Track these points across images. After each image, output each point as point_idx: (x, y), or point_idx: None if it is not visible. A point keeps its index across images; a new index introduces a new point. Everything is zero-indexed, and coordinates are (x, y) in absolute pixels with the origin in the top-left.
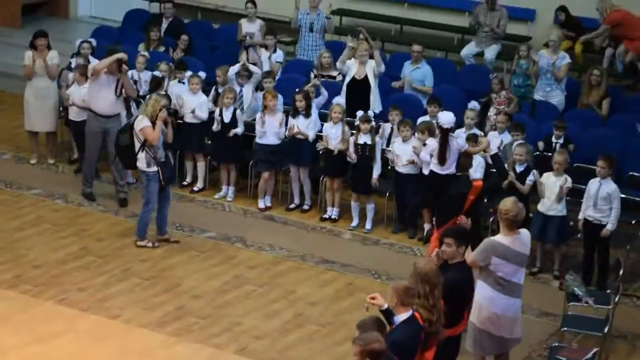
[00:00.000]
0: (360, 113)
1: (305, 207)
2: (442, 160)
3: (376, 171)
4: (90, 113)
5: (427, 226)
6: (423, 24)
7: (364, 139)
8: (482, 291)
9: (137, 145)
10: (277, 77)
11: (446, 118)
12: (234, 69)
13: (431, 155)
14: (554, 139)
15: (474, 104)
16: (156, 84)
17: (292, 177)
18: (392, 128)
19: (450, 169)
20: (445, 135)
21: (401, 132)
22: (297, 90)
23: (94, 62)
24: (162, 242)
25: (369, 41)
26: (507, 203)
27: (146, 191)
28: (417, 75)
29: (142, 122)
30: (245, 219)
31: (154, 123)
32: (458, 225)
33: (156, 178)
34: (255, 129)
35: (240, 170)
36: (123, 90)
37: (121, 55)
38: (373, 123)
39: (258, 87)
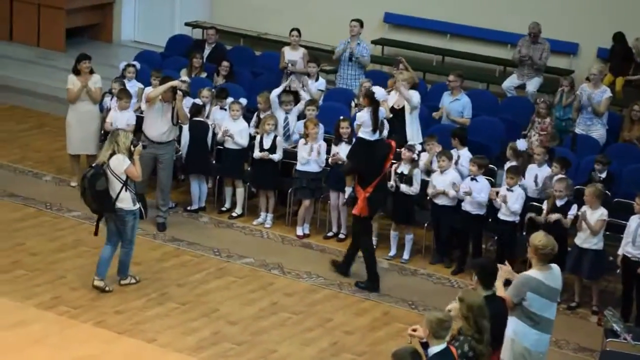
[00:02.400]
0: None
1: (342, 235)
2: (375, 128)
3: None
4: (144, 138)
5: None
6: (465, 55)
7: (404, 168)
8: (514, 326)
9: (117, 185)
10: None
11: (380, 92)
12: (276, 92)
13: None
14: (596, 174)
15: (522, 144)
16: (196, 111)
17: (331, 204)
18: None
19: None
20: (376, 106)
21: (439, 163)
22: (341, 117)
23: (135, 86)
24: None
25: (409, 70)
26: (542, 238)
27: (131, 231)
28: (456, 106)
29: (124, 163)
30: (283, 246)
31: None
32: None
33: (138, 214)
34: (297, 156)
35: (278, 197)
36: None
37: (176, 83)
38: (415, 154)
39: (300, 115)
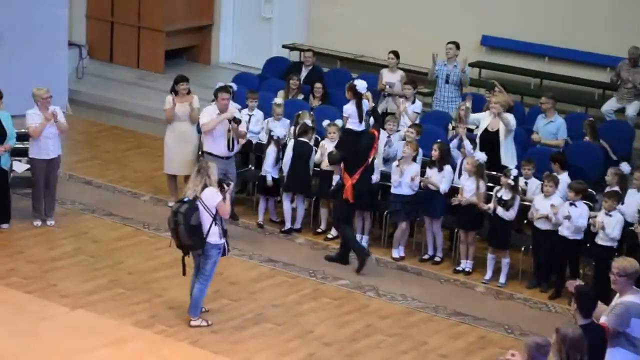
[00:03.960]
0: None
1: (437, 258)
2: (360, 119)
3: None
4: (209, 156)
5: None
6: (563, 78)
7: (504, 193)
8: (615, 355)
9: (208, 220)
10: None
11: (362, 85)
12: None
13: (567, 217)
14: None
15: (626, 168)
16: (303, 132)
17: (426, 228)
18: (526, 182)
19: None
20: (359, 98)
21: (545, 187)
22: (438, 140)
23: (233, 107)
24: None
25: (503, 93)
26: (631, 261)
27: (212, 266)
28: (550, 128)
29: (216, 197)
30: (378, 268)
31: None
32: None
33: (222, 249)
34: (391, 179)
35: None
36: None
37: (229, 115)
38: (511, 179)
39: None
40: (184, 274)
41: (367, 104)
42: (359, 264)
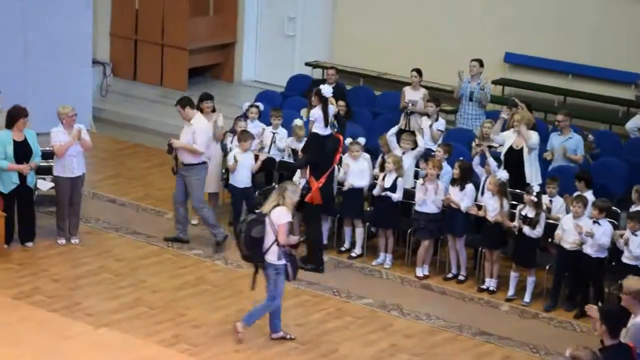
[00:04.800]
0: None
1: (461, 277)
2: (326, 123)
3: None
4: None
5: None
6: (587, 95)
7: (528, 211)
8: None
9: (271, 238)
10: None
11: (327, 90)
12: (392, 132)
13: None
14: None
15: None
16: None
17: (449, 246)
18: (550, 200)
19: None
20: (325, 104)
21: (573, 208)
22: (460, 159)
23: (258, 127)
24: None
25: (524, 110)
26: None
27: (274, 286)
28: (570, 145)
29: (282, 217)
30: (402, 287)
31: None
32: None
33: (284, 271)
34: (415, 197)
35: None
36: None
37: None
38: (533, 196)
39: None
40: (253, 288)
41: (332, 109)
42: (309, 265)
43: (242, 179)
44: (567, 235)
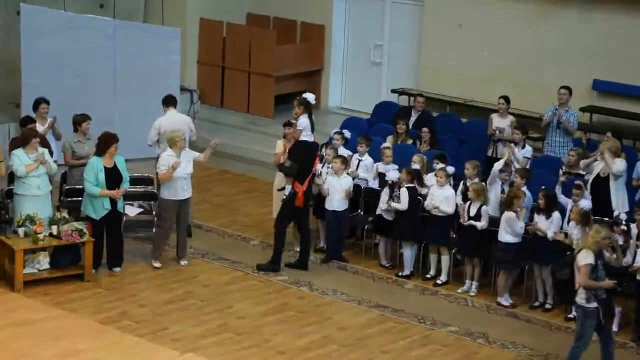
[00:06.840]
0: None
1: (548, 306)
2: (313, 130)
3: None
4: None
5: None
6: None
7: (619, 239)
8: None
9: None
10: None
11: (311, 97)
12: (499, 166)
13: None
14: None
15: None
16: (413, 177)
17: (535, 275)
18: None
19: None
20: (310, 112)
21: None
22: (544, 187)
23: (344, 154)
24: None
25: (611, 138)
26: None
27: (581, 327)
28: None
29: (588, 259)
30: (488, 315)
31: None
32: None
33: (594, 315)
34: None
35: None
36: None
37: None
38: (623, 226)
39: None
40: None
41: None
42: (267, 265)
43: (336, 203)
44: None
